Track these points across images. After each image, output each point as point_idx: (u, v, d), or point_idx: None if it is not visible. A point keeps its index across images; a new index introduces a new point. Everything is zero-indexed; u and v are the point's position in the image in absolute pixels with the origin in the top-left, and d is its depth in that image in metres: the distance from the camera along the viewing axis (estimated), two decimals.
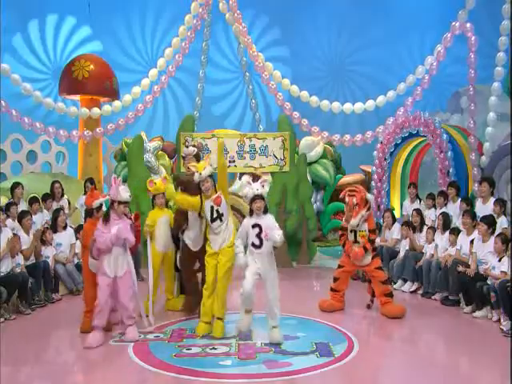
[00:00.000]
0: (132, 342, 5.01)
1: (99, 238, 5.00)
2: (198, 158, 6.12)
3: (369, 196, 6.17)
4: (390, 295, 6.09)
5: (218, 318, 5.29)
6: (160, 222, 6.11)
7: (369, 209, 6.10)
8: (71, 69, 11.20)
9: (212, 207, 5.28)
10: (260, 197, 5.06)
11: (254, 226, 5.02)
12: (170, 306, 6.32)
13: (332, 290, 6.34)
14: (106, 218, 5.08)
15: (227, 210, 5.33)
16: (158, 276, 6.11)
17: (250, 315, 5.10)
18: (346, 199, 6.09)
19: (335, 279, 6.34)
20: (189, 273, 6.07)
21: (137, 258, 7.07)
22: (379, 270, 6.13)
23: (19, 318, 5.97)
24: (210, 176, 5.30)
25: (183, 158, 6.16)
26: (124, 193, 5.11)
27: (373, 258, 6.13)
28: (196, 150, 6.13)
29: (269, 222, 5.03)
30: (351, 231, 6.13)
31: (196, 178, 5.24)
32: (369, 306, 6.38)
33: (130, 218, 5.46)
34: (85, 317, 5.35)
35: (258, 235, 4.97)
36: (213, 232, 5.34)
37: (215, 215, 5.28)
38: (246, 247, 5.12)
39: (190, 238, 5.88)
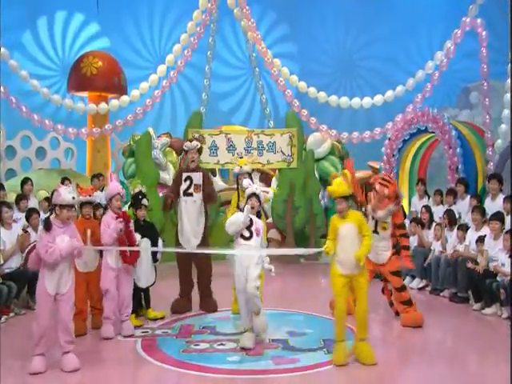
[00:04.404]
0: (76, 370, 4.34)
1: (43, 248, 4.22)
2: (200, 152, 6.13)
3: (401, 192, 5.89)
4: (408, 303, 5.57)
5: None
6: None
7: (398, 204, 5.62)
8: (80, 65, 11.27)
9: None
10: (257, 196, 4.95)
11: None
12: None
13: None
14: (48, 226, 4.31)
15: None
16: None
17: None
18: (377, 187, 5.54)
19: None
20: (185, 274, 6.09)
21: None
22: (395, 276, 5.59)
23: (29, 313, 6.01)
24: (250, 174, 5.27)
25: (185, 152, 6.10)
26: (66, 194, 4.38)
27: (391, 257, 5.61)
28: (199, 144, 6.11)
29: (260, 225, 4.91)
30: (372, 218, 5.62)
31: (235, 170, 5.33)
32: (397, 313, 5.78)
33: (122, 217, 5.17)
34: (75, 319, 4.68)
35: (249, 228, 4.84)
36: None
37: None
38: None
39: (181, 235, 5.94)
